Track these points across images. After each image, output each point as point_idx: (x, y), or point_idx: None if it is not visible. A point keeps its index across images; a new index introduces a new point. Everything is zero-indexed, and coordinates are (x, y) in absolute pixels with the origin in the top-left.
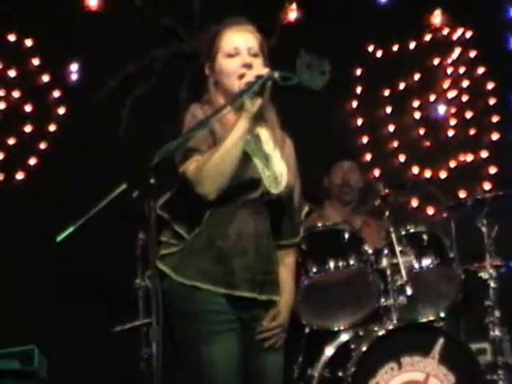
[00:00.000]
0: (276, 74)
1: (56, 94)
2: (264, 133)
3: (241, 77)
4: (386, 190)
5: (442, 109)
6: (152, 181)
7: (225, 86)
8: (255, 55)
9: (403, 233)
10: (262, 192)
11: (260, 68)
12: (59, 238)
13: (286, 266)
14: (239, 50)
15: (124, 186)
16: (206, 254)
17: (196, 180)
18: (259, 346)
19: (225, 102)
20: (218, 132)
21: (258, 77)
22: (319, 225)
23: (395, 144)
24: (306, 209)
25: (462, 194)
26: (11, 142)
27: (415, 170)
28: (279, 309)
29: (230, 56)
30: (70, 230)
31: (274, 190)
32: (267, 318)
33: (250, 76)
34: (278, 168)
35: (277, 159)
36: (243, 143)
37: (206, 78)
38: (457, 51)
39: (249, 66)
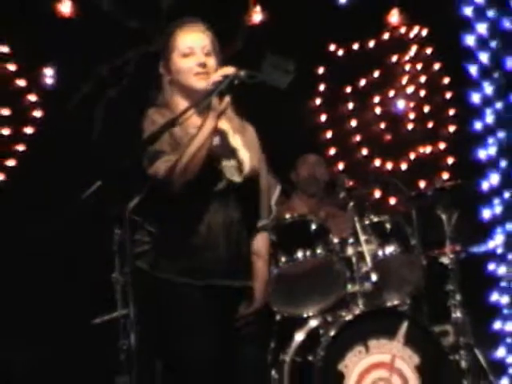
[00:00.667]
0: (242, 73)
1: (32, 97)
2: (224, 125)
3: (196, 74)
4: (350, 183)
5: (401, 104)
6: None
7: (181, 85)
8: (208, 54)
9: (367, 222)
10: (228, 182)
11: (224, 68)
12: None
13: (258, 252)
14: (193, 50)
15: (99, 183)
16: (180, 250)
17: (168, 180)
18: (238, 336)
19: (182, 100)
20: (177, 133)
21: (225, 76)
22: (287, 216)
23: (358, 138)
24: (278, 188)
25: (422, 184)
26: None
27: (377, 162)
28: (254, 295)
29: (185, 56)
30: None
31: (236, 179)
32: (243, 305)
33: (217, 76)
34: (241, 156)
35: (240, 147)
36: (210, 141)
37: (160, 78)
38: (414, 48)
39: (204, 65)
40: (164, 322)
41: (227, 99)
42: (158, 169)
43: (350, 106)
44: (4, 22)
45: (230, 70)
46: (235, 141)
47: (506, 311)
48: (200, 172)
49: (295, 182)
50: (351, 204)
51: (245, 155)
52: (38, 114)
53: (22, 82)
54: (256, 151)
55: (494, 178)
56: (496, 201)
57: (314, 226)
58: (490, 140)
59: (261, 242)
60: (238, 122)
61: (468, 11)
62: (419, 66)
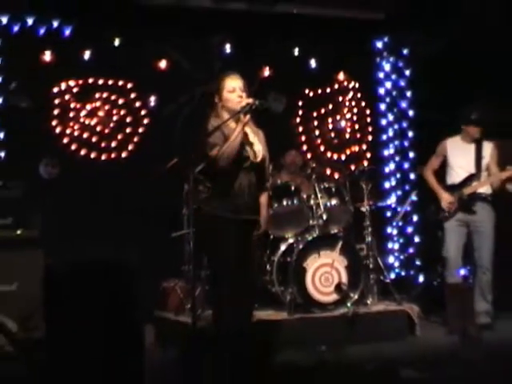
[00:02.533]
0: (257, 102)
1: (143, 112)
2: (248, 129)
3: (237, 103)
4: (313, 165)
5: (343, 123)
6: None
7: (227, 107)
8: (243, 91)
9: (322, 187)
10: (250, 162)
11: (248, 99)
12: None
13: (263, 201)
14: (235, 89)
15: (176, 159)
16: (223, 197)
17: (217, 158)
18: (251, 243)
19: (227, 116)
20: (224, 132)
21: (248, 103)
22: (278, 182)
23: (319, 141)
24: (270, 167)
25: (353, 168)
26: (119, 137)
27: (329, 154)
28: (260, 223)
29: (230, 92)
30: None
31: (255, 161)
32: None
33: (244, 103)
34: (257, 148)
35: (256, 143)
36: (240, 138)
37: (214, 103)
38: (351, 93)
39: (240, 97)
40: (210, 235)
41: (248, 116)
42: (213, 152)
43: (315, 123)
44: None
45: (250, 100)
46: (253, 139)
47: (395, 238)
48: (235, 156)
49: (283, 165)
50: (313, 176)
51: (258, 147)
52: (146, 121)
53: (138, 103)
54: (264, 146)
55: (392, 166)
56: (392, 178)
57: (292, 188)
58: (391, 145)
59: (264, 197)
60: (255, 128)
61: (381, 75)
62: (353, 103)
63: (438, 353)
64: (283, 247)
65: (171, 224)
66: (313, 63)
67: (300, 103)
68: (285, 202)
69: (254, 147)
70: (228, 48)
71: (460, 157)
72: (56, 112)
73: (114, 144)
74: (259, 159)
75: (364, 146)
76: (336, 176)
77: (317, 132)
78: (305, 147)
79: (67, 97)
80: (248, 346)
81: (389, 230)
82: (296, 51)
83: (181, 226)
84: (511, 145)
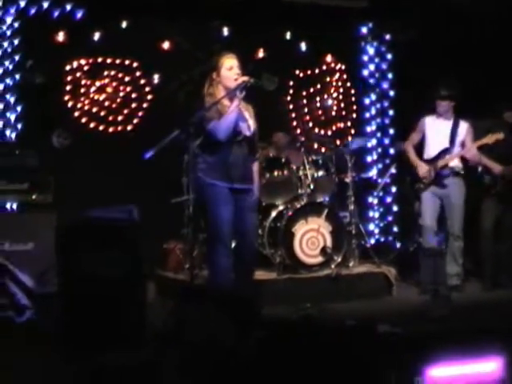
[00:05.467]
0: (252, 80)
1: (147, 88)
2: (242, 105)
3: (234, 80)
4: (302, 139)
5: (330, 101)
6: (191, 130)
7: (224, 84)
8: (239, 69)
9: (310, 159)
10: (243, 136)
11: (244, 77)
12: (146, 156)
13: (255, 169)
14: (233, 67)
15: (177, 132)
16: (219, 167)
17: (215, 131)
18: (245, 209)
19: (223, 92)
20: (220, 107)
21: (244, 81)
22: (270, 155)
23: (307, 117)
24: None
25: (338, 142)
26: (125, 111)
27: (317, 130)
28: (253, 192)
29: (228, 69)
30: (151, 152)
31: (247, 134)
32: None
33: (240, 80)
34: (249, 122)
35: (248, 118)
36: (236, 113)
37: (212, 81)
38: (337, 74)
39: (238, 75)
40: (208, 201)
41: (244, 93)
42: (210, 125)
43: (304, 101)
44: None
45: (246, 78)
46: (246, 114)
47: (375, 207)
48: (231, 130)
49: (272, 142)
50: (302, 150)
51: (251, 122)
52: (149, 97)
53: (143, 81)
54: (254, 121)
55: (374, 141)
56: (373, 152)
57: (283, 160)
58: (373, 122)
59: (255, 167)
60: (245, 104)
61: (365, 58)
62: (340, 83)
63: (412, 311)
64: (274, 213)
65: (172, 191)
66: (303, 46)
67: (291, 83)
68: (276, 173)
69: (247, 122)
70: (225, 31)
71: (436, 133)
72: (68, 88)
73: (120, 118)
74: (250, 133)
75: (349, 123)
76: (323, 150)
77: (306, 109)
78: (295, 123)
79: (78, 74)
80: (248, 306)
81: (370, 199)
82: (288, 35)
83: (181, 192)
84: (483, 126)
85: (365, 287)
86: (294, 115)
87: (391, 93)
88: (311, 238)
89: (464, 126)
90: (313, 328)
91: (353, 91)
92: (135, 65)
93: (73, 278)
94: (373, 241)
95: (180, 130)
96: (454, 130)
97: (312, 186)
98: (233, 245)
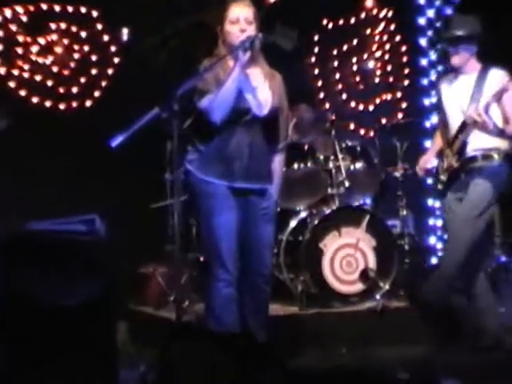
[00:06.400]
0: (260, 35)
1: (113, 48)
2: (256, 71)
3: (238, 38)
4: (333, 117)
5: (371, 63)
6: (175, 107)
7: (228, 43)
8: (250, 23)
9: (343, 145)
10: (251, 115)
11: (250, 32)
12: (113, 143)
13: (276, 163)
14: (239, 19)
15: (156, 110)
16: (215, 159)
17: (208, 110)
18: (257, 218)
19: (226, 50)
20: (221, 75)
21: (248, 37)
22: (288, 140)
23: (339, 86)
24: (291, 123)
25: (383, 121)
26: (82, 80)
27: (353, 104)
28: (271, 192)
29: (233, 23)
30: (121, 138)
31: (259, 113)
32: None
33: (243, 36)
34: (263, 96)
35: (264, 89)
36: (237, 83)
37: (217, 38)
38: (382, 25)
39: (244, 31)
40: (201, 207)
41: (248, 54)
42: (202, 101)
43: (335, 63)
44: None
45: (251, 33)
46: (260, 82)
47: (437, 212)
48: (231, 107)
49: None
50: (333, 132)
51: (265, 95)
52: (116, 60)
53: (106, 37)
54: (279, 94)
55: (434, 119)
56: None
57: (306, 147)
58: (433, 92)
59: (277, 162)
60: (269, 70)
61: (421, 0)
62: (385, 38)
63: (493, 358)
64: (293, 223)
65: (151, 192)
66: None
67: (316, 38)
68: (296, 165)
69: (258, 95)
70: None
71: (455, 99)
72: None
73: (75, 90)
74: (265, 111)
75: (398, 94)
76: (362, 132)
77: (337, 75)
78: (322, 95)
79: (14, 27)
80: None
81: (430, 202)
82: None
83: (163, 194)
84: None
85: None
86: (320, 84)
87: None
88: (347, 256)
89: (497, 75)
90: (351, 382)
91: (404, 48)
92: (95, 14)
93: (8, 311)
94: (435, 260)
95: (160, 107)
96: (479, 84)
97: (347, 184)
98: (237, 266)
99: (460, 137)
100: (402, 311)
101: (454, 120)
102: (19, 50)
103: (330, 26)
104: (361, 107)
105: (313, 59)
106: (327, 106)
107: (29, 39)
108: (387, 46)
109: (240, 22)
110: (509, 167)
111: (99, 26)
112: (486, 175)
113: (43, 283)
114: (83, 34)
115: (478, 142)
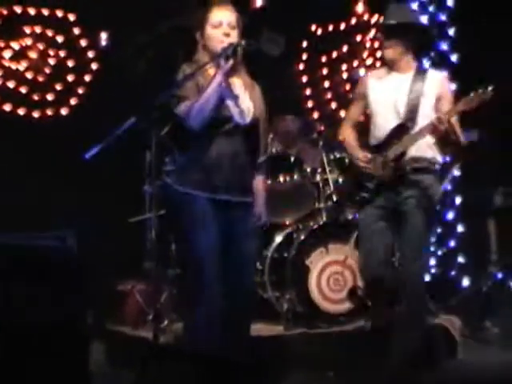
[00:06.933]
0: (243, 42)
1: (91, 54)
2: (237, 81)
3: (221, 43)
4: (321, 128)
5: (361, 71)
6: (154, 116)
7: (210, 49)
8: (233, 27)
9: (332, 157)
10: (233, 124)
11: (233, 38)
12: (87, 156)
13: (259, 178)
14: (222, 23)
15: (133, 119)
16: (195, 170)
17: (187, 116)
18: (240, 233)
19: (208, 60)
20: (201, 83)
21: (231, 44)
22: (273, 150)
23: (329, 95)
24: (270, 135)
25: None
26: (58, 87)
27: (342, 114)
28: (258, 208)
29: (215, 27)
30: (96, 150)
31: (241, 122)
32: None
33: (225, 43)
34: (245, 105)
35: (245, 99)
36: (219, 91)
37: (196, 43)
38: (373, 31)
39: (227, 35)
40: (180, 221)
41: (231, 62)
42: (181, 108)
43: (325, 71)
44: None
45: (234, 40)
46: (240, 91)
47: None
48: (212, 115)
49: (275, 133)
50: (321, 143)
51: (248, 104)
52: (94, 66)
53: (84, 42)
54: (259, 105)
55: None
56: None
57: (292, 158)
58: None
59: (259, 179)
60: (249, 80)
61: (414, 6)
62: (376, 44)
63: (486, 381)
64: (279, 238)
65: (128, 206)
66: None
67: (304, 44)
68: (281, 178)
69: (241, 104)
70: None
71: (385, 97)
72: None
73: (50, 97)
74: (248, 120)
75: None
76: None
77: (327, 83)
78: (310, 104)
79: None
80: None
81: (450, 215)
82: None
83: (142, 208)
84: None
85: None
86: (309, 92)
87: (453, 57)
88: (334, 274)
89: (436, 77)
90: None
91: None
92: (72, 18)
93: None
94: (427, 277)
95: (139, 116)
96: (416, 86)
97: (335, 198)
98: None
99: (400, 142)
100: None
101: (384, 120)
102: None
103: (320, 31)
104: None
105: (301, 66)
106: (316, 115)
107: (1, 44)
108: (378, 54)
109: (223, 25)
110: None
111: (76, 31)
112: (427, 194)
113: (9, 298)
114: (59, 39)
115: (418, 151)
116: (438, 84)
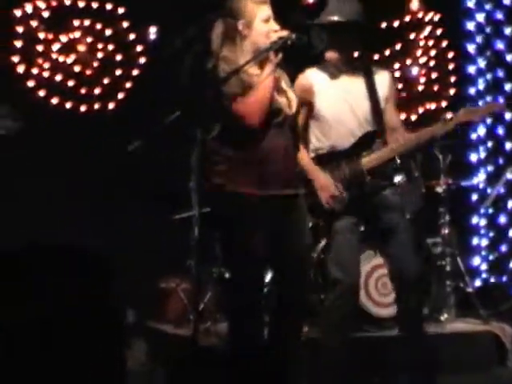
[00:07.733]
0: (293, 36)
1: (139, 48)
2: (278, 72)
3: (269, 37)
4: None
5: (415, 70)
6: (199, 112)
7: (255, 43)
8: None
9: None
10: (283, 116)
11: (281, 31)
12: (130, 148)
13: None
14: (270, 18)
15: (178, 113)
16: (249, 168)
17: (245, 114)
18: (292, 230)
19: (249, 56)
20: (244, 78)
21: (280, 38)
22: None
23: None
24: None
25: None
26: (106, 81)
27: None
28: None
29: (265, 21)
30: (138, 143)
31: (289, 113)
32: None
33: (274, 37)
34: (290, 95)
35: (289, 90)
36: (272, 85)
37: (236, 31)
38: (427, 29)
39: (275, 31)
40: (230, 224)
41: (280, 56)
42: (236, 106)
43: None
44: None
45: (284, 33)
46: (284, 84)
47: (482, 231)
48: (267, 109)
49: None
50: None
51: (293, 97)
52: (142, 60)
53: (132, 36)
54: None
55: (481, 130)
56: (481, 148)
57: None
58: (480, 103)
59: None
60: (280, 72)
61: (470, 3)
62: (431, 43)
63: None
64: (325, 240)
65: (173, 202)
66: None
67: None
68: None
69: (287, 95)
70: None
71: (338, 99)
72: (18, 44)
73: (97, 91)
74: (293, 112)
75: (443, 103)
76: None
77: None
78: None
79: (34, 24)
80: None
81: (474, 219)
82: None
83: (187, 204)
84: None
85: (465, 354)
86: None
87: (509, 57)
88: (382, 277)
89: (384, 77)
90: None
91: (451, 55)
92: (121, 11)
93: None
94: (478, 282)
95: (184, 111)
96: (370, 85)
97: None
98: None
99: (373, 153)
100: (441, 337)
101: (338, 123)
102: (39, 48)
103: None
104: (402, 117)
105: None
106: None
107: (50, 36)
108: (432, 52)
109: (271, 21)
110: None
111: (125, 24)
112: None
113: (54, 293)
114: (108, 32)
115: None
116: (386, 84)
